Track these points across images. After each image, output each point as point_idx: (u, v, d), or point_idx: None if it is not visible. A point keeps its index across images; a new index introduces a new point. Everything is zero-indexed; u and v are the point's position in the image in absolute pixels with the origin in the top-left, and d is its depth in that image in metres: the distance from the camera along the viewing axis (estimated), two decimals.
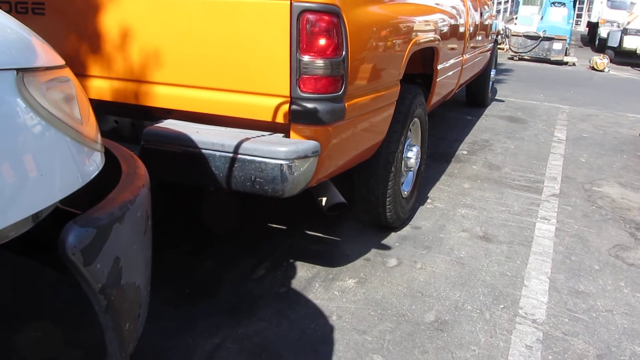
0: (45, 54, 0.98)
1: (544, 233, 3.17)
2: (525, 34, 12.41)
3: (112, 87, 2.30)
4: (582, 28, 24.38)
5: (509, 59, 12.61)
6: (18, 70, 0.87)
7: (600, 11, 16.63)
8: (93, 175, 1.02)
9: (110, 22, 2.20)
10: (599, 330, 2.26)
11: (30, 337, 1.89)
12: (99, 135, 1.14)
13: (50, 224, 1.25)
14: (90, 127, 1.07)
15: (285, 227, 3.05)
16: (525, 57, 12.54)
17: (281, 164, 1.96)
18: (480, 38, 5.12)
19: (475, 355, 2.05)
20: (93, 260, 0.90)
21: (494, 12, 6.50)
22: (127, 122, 2.45)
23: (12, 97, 0.84)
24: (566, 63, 12.34)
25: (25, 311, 2.08)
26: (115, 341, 0.99)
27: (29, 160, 0.85)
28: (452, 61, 3.87)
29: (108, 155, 1.29)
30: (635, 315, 2.39)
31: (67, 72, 1.04)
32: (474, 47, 4.80)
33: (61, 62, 1.03)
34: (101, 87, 2.32)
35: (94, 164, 1.03)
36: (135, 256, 1.07)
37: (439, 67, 3.42)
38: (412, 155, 3.03)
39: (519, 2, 15.78)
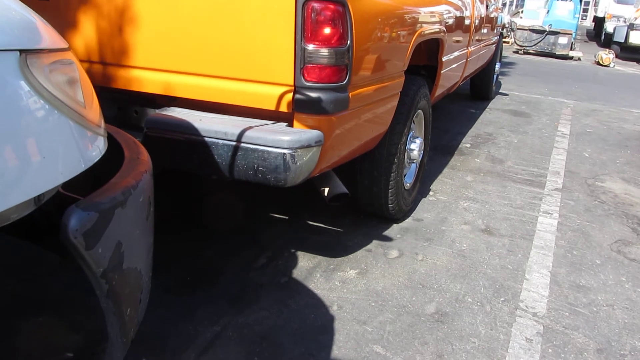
0: (49, 36, 0.97)
1: (546, 227, 3.16)
2: (530, 28, 12.34)
3: (115, 74, 2.29)
4: (588, 23, 24.24)
5: (514, 52, 12.55)
6: (21, 51, 0.86)
7: (606, 6, 16.51)
8: (95, 160, 1.01)
9: (114, 8, 2.19)
10: (599, 324, 2.26)
11: (32, 322, 1.90)
12: (102, 120, 1.13)
13: (52, 209, 1.25)
14: (94, 111, 1.06)
15: (287, 217, 3.04)
16: (531, 51, 12.48)
17: (284, 153, 1.95)
18: (485, 31, 5.09)
19: (475, 347, 2.05)
20: (95, 244, 0.90)
21: (500, 5, 6.46)
22: (130, 109, 2.44)
23: (15, 78, 0.83)
24: (571, 58, 12.28)
25: (26, 296, 2.09)
26: (116, 326, 0.99)
27: (31, 142, 0.84)
28: (457, 53, 3.85)
29: (111, 141, 1.29)
30: (636, 310, 2.39)
31: (71, 55, 1.03)
32: (479, 40, 4.77)
33: (65, 44, 1.02)
34: (104, 73, 2.31)
35: (97, 148, 1.03)
36: (137, 241, 1.07)
37: (444, 59, 3.40)
38: (415, 147, 3.02)
39: None
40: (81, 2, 2.25)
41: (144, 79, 2.24)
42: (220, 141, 2.04)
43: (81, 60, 2.32)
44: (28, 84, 0.85)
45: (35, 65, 0.88)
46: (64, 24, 2.29)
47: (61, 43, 1.00)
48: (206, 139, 2.05)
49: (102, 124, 1.12)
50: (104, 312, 0.97)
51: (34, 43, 0.91)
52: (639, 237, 3.14)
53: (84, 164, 0.97)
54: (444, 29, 3.21)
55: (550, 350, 2.07)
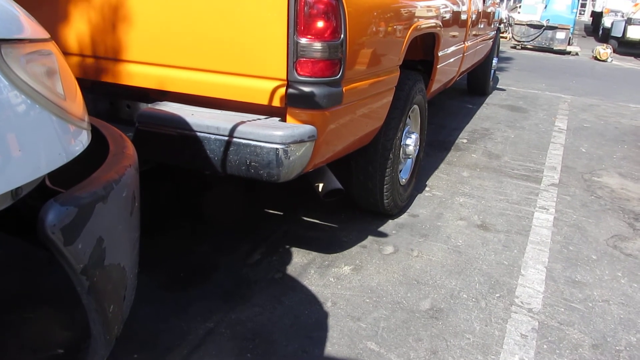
0: (27, 26, 0.95)
1: (542, 222, 3.15)
2: (528, 23, 12.31)
3: (106, 68, 2.27)
4: (586, 17, 24.21)
5: (512, 47, 12.53)
6: None
7: (604, 1, 16.49)
8: (77, 153, 0.99)
9: (106, 2, 2.16)
10: (595, 320, 2.25)
11: (22, 318, 1.88)
12: (86, 113, 1.11)
13: (38, 203, 1.23)
14: (76, 104, 1.04)
15: (281, 213, 3.02)
16: (528, 46, 12.46)
17: (277, 148, 1.93)
18: (482, 26, 5.06)
19: (470, 344, 2.04)
20: (74, 240, 0.88)
21: (497, 0, 6.43)
22: (122, 103, 2.41)
23: None
24: (569, 52, 12.26)
25: (17, 292, 2.07)
26: (99, 323, 0.97)
27: (7, 134, 0.82)
28: (453, 48, 3.83)
29: (99, 135, 1.27)
30: (631, 305, 2.38)
31: (51, 46, 1.00)
32: (475, 35, 4.74)
33: (45, 35, 0.99)
34: (97, 67, 2.28)
35: (79, 141, 1.00)
36: (120, 237, 1.05)
37: (440, 53, 3.37)
38: (411, 143, 3.00)
39: None
40: None
41: (136, 73, 2.22)
42: (213, 136, 2.01)
43: (73, 54, 2.30)
44: (2, 75, 0.83)
45: (10, 55, 0.85)
46: (56, 17, 2.26)
47: (40, 34, 0.97)
48: (198, 133, 2.02)
49: (85, 117, 1.09)
50: (85, 308, 0.95)
51: (10, 32, 0.88)
52: (635, 232, 3.12)
53: (66, 156, 0.94)
54: (440, 23, 3.18)
55: (545, 346, 2.06)
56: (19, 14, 0.95)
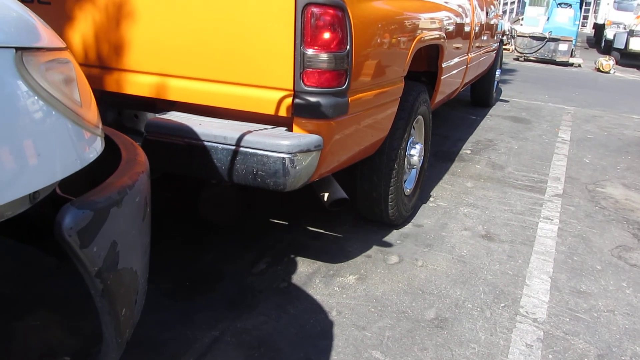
0: (45, 35, 0.97)
1: (546, 233, 3.15)
2: (531, 35, 12.37)
3: (115, 78, 2.30)
4: (588, 29, 24.29)
5: (515, 59, 12.57)
6: (17, 48, 0.86)
7: (606, 13, 16.56)
8: (92, 159, 1.01)
9: (115, 13, 2.20)
10: (600, 330, 2.25)
11: (29, 325, 1.89)
12: (100, 121, 1.13)
13: (49, 211, 1.25)
14: (91, 111, 1.06)
15: (286, 223, 3.04)
16: (531, 58, 12.50)
17: (283, 158, 1.95)
18: (485, 37, 5.10)
19: (475, 353, 2.04)
20: (89, 243, 0.90)
21: (500, 12, 6.48)
22: (130, 113, 2.44)
23: (10, 75, 0.84)
24: (572, 64, 12.30)
25: (24, 299, 2.08)
26: (111, 326, 0.98)
27: (27, 139, 0.84)
28: (456, 60, 3.86)
29: (109, 143, 1.29)
30: (636, 315, 2.38)
31: (68, 55, 1.03)
32: (479, 47, 4.78)
33: (62, 44, 1.02)
34: (105, 77, 2.32)
35: (93, 148, 1.03)
36: (133, 242, 1.07)
37: (444, 65, 3.40)
38: (415, 153, 3.02)
39: (525, 3, 15.75)
40: (81, 7, 2.26)
41: (144, 83, 2.25)
42: (220, 145, 2.04)
43: (82, 64, 2.33)
44: (24, 82, 0.85)
45: (31, 63, 0.88)
46: (65, 27, 2.30)
47: (58, 42, 1.00)
48: (205, 143, 2.05)
49: (100, 124, 1.12)
50: (98, 311, 0.97)
51: (30, 41, 0.91)
52: (639, 243, 3.12)
53: (80, 162, 0.96)
54: (444, 35, 3.21)
55: (550, 356, 2.06)
56: (37, 23, 0.98)
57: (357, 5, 2.07)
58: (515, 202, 3.62)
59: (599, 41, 17.45)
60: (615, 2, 15.94)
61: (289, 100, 2.01)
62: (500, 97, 7.60)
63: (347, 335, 2.09)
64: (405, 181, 3.04)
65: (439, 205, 3.45)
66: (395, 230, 3.02)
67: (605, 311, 2.39)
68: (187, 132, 2.08)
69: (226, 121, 2.20)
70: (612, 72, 11.66)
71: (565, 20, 13.43)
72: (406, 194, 3.05)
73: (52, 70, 0.94)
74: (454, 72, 3.87)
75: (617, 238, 3.17)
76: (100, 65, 2.31)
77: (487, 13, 5.05)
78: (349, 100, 2.09)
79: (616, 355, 2.10)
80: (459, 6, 3.82)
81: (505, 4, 16.49)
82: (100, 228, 0.92)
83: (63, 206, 0.88)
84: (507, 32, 7.05)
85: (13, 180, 0.82)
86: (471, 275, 2.61)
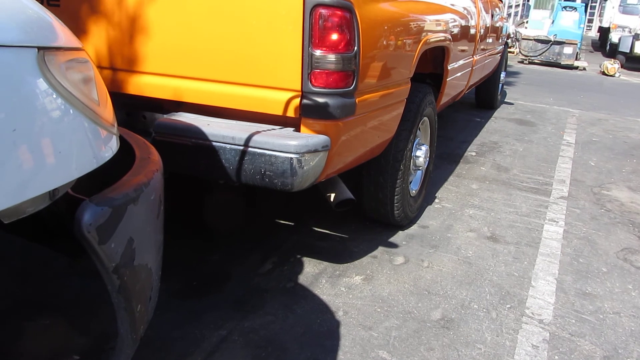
0: (64, 35, 0.99)
1: (551, 235, 3.16)
2: (535, 38, 12.36)
3: (124, 79, 2.32)
4: (593, 33, 24.25)
5: (519, 62, 12.57)
6: (39, 48, 0.88)
7: (611, 16, 16.53)
8: (108, 158, 1.03)
9: (123, 14, 2.22)
10: (606, 331, 2.25)
11: (38, 324, 1.91)
12: (115, 119, 1.15)
13: (62, 210, 1.27)
14: (108, 110, 1.08)
15: (292, 223, 3.05)
16: (536, 61, 12.49)
17: (291, 158, 1.96)
18: (490, 40, 5.11)
19: (481, 354, 2.05)
20: (107, 239, 0.91)
21: (505, 15, 6.49)
22: (138, 114, 2.46)
23: (33, 75, 0.85)
24: (576, 67, 12.28)
25: (33, 298, 2.10)
26: (127, 322, 1.00)
27: (48, 137, 0.86)
28: (462, 62, 3.87)
29: (122, 143, 1.30)
30: None
31: (85, 55, 1.05)
32: (484, 49, 4.79)
33: (79, 44, 1.04)
34: (114, 78, 2.34)
35: (109, 146, 1.04)
36: (148, 239, 1.08)
37: (449, 67, 3.41)
38: (421, 154, 3.03)
39: (529, 6, 15.74)
40: (91, 8, 2.28)
41: (153, 84, 2.27)
42: (228, 146, 2.05)
43: None
44: (45, 80, 0.87)
45: (52, 62, 0.90)
46: (74, 29, 2.30)
47: (76, 42, 1.02)
48: (214, 143, 2.06)
49: (115, 122, 1.14)
50: (115, 307, 0.98)
51: (50, 41, 0.93)
52: None
53: (97, 161, 0.98)
54: (450, 37, 3.23)
55: (556, 357, 2.06)
56: (56, 23, 0.99)
57: (364, 7, 2.08)
58: (520, 204, 3.62)
59: (603, 45, 17.43)
60: (620, 5, 15.91)
61: (297, 101, 2.03)
62: (505, 100, 7.61)
63: (353, 335, 2.10)
64: (411, 182, 3.05)
65: (444, 207, 3.46)
66: (400, 231, 3.03)
67: (611, 313, 2.40)
68: (196, 133, 2.09)
69: (234, 122, 2.21)
70: (617, 75, 11.64)
71: (570, 23, 13.41)
72: (412, 195, 3.06)
73: (72, 70, 0.96)
74: (459, 74, 3.88)
75: (622, 240, 3.17)
76: (108, 66, 2.33)
77: (492, 16, 5.06)
78: (356, 101, 2.10)
79: (622, 356, 2.10)
80: (465, 9, 3.84)
81: (510, 6, 16.49)
82: (117, 225, 0.94)
83: (82, 203, 0.90)
84: (512, 35, 7.05)
85: (36, 176, 0.83)
86: (477, 277, 2.61)
